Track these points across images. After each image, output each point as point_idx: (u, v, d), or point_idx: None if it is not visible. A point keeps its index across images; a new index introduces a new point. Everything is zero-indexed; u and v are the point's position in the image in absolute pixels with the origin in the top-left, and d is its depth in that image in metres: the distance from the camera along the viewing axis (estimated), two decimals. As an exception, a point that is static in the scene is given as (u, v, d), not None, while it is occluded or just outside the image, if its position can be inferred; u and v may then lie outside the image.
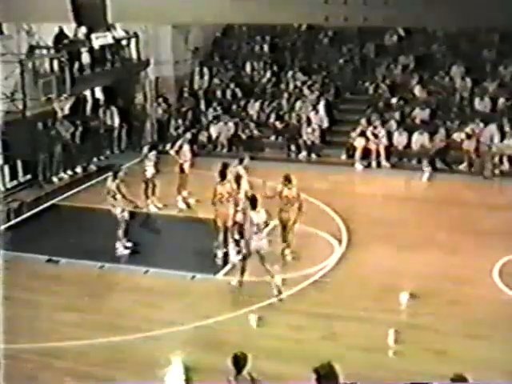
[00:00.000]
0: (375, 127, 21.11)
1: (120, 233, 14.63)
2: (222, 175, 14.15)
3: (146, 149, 17.44)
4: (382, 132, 20.94)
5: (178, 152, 17.43)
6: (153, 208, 17.12)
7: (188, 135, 19.44)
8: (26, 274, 13.71)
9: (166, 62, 23.66)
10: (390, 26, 23.06)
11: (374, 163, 20.80)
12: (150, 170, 16.96)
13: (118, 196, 14.43)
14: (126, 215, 14.62)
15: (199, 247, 14.67)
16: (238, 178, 14.80)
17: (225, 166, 14.39)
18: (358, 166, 20.85)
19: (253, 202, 12.55)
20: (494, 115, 21.11)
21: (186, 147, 17.65)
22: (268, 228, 13.25)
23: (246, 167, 15.30)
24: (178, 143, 17.84)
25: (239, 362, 7.41)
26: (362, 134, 21.13)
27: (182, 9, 19.12)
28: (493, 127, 20.07)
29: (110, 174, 14.90)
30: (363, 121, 21.35)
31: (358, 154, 20.91)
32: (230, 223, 14.11)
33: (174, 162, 17.33)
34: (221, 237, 14.18)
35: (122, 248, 14.69)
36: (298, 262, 13.97)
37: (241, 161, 15.43)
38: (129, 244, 14.81)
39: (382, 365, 10.48)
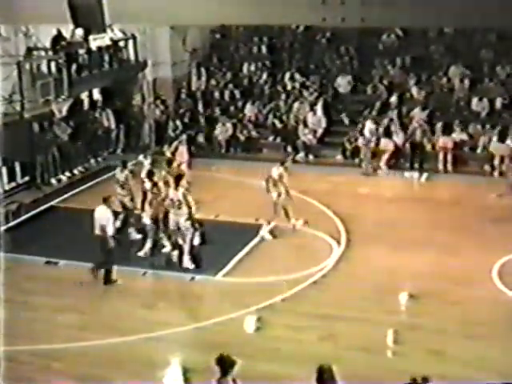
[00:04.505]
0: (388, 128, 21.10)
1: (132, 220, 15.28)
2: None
3: (141, 157, 16.62)
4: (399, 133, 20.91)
5: (173, 153, 17.39)
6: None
7: (184, 136, 19.39)
8: (24, 275, 13.69)
9: (164, 63, 23.66)
10: (387, 26, 23.06)
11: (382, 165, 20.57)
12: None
13: (126, 186, 15.14)
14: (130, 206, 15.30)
15: (198, 248, 14.66)
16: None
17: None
18: (408, 174, 19.92)
19: (177, 180, 14.12)
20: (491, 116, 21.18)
21: (182, 148, 17.60)
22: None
23: None
24: (174, 144, 17.83)
25: (225, 363, 7.30)
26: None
27: (179, 10, 19.18)
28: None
29: (120, 168, 15.59)
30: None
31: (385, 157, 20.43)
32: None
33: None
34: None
35: (134, 233, 15.28)
36: (297, 263, 13.99)
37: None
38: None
39: (381, 365, 10.49)
